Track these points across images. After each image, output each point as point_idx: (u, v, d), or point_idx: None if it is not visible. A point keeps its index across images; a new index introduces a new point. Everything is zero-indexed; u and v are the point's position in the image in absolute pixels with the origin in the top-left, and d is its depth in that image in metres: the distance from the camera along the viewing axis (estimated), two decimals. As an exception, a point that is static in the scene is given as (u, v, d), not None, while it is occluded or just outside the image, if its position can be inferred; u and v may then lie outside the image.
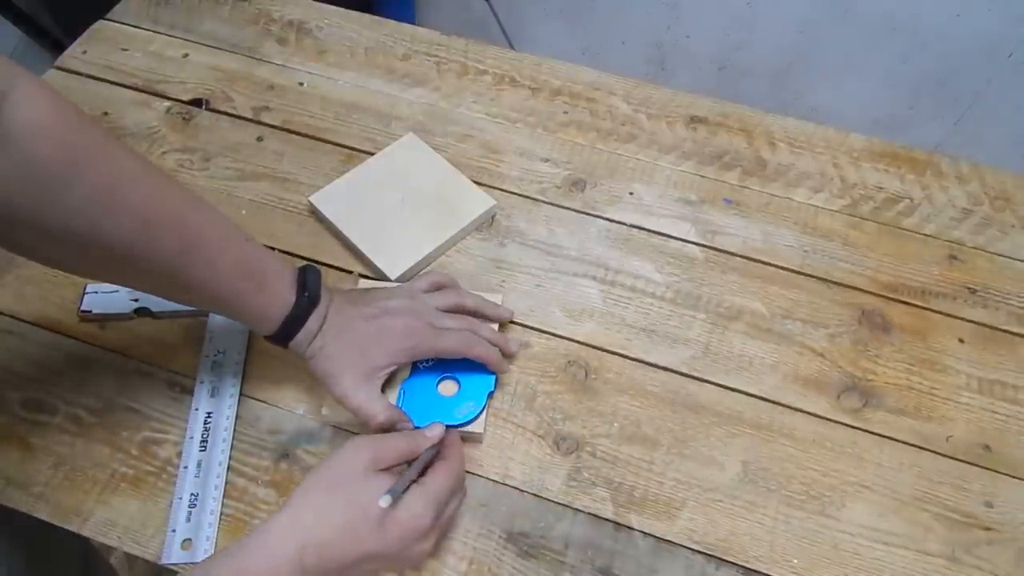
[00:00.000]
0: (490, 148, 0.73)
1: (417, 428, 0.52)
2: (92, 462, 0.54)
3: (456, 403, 0.56)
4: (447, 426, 0.53)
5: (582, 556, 0.52)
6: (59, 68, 0.77)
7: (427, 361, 0.57)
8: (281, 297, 0.50)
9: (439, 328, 0.54)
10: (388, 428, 0.52)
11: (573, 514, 0.54)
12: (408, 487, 0.46)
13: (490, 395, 0.57)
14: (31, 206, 0.40)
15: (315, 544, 0.42)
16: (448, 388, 0.57)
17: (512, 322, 0.62)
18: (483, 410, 0.56)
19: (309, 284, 0.51)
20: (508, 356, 0.59)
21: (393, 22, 0.83)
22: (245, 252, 0.50)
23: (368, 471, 0.46)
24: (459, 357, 0.55)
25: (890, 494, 0.55)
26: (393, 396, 0.56)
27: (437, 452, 0.50)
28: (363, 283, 0.62)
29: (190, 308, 0.60)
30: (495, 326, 0.60)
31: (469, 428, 0.55)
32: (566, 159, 0.73)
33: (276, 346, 0.52)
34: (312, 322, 0.51)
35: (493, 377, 0.57)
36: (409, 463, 0.48)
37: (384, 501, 0.43)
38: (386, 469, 0.47)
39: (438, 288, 0.60)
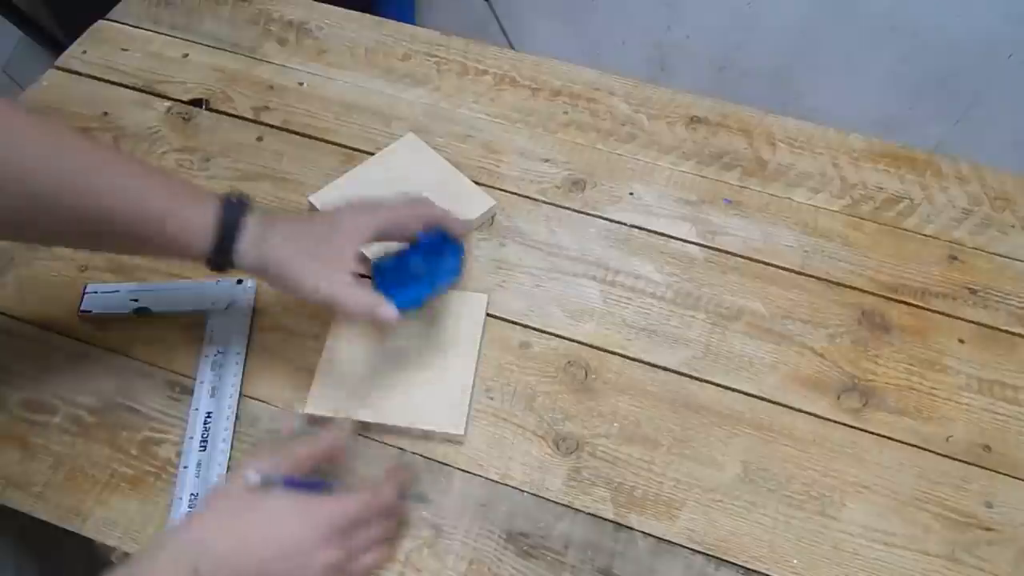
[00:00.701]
0: (490, 148, 0.73)
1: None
2: (92, 462, 0.54)
3: (431, 273, 0.55)
4: (436, 286, 0.54)
5: (582, 556, 0.52)
6: (59, 68, 0.77)
7: (388, 258, 0.56)
8: (207, 205, 0.48)
9: (382, 208, 0.53)
10: (366, 314, 0.49)
11: (573, 514, 0.54)
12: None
13: (462, 257, 0.56)
14: None
15: (211, 557, 0.41)
16: (418, 267, 0.55)
17: (513, 322, 0.62)
18: (462, 266, 0.56)
19: (236, 194, 0.50)
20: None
21: (393, 22, 0.83)
22: (159, 175, 0.49)
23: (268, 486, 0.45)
24: (427, 221, 0.53)
25: (890, 494, 0.55)
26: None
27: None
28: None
29: (190, 308, 0.61)
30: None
31: (449, 431, 0.55)
32: (566, 159, 0.73)
33: (216, 271, 0.49)
34: (252, 224, 0.48)
35: (460, 246, 0.56)
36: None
37: (251, 477, 0.44)
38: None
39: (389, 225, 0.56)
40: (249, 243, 0.48)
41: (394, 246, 0.56)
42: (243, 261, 0.49)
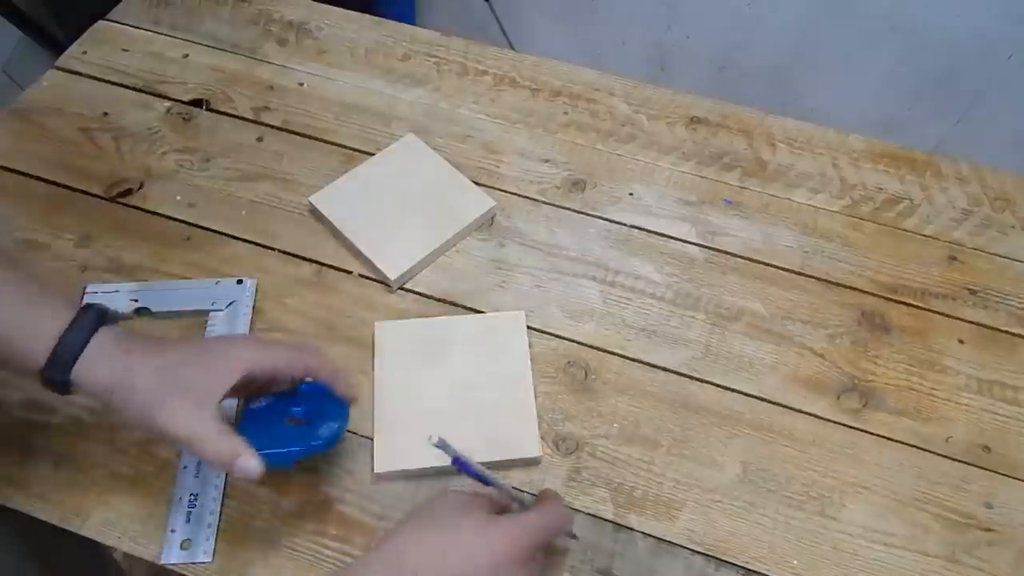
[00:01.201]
0: (490, 148, 0.73)
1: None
2: (92, 462, 0.54)
3: (309, 428, 0.48)
4: (311, 446, 0.47)
5: (582, 556, 0.52)
6: (59, 68, 0.77)
7: (260, 400, 0.50)
8: (55, 314, 0.41)
9: (267, 342, 0.49)
10: (227, 463, 0.43)
11: (573, 515, 0.54)
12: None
13: (346, 416, 0.50)
14: None
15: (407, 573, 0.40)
16: (297, 420, 0.49)
17: (512, 322, 0.62)
18: (342, 430, 0.49)
19: (95, 307, 0.43)
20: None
21: (393, 22, 0.83)
22: (18, 281, 0.43)
23: (466, 506, 0.43)
24: (300, 367, 0.48)
25: (890, 495, 0.55)
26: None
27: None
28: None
29: (190, 308, 0.61)
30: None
31: (528, 455, 0.54)
32: (566, 160, 0.73)
33: (57, 394, 0.43)
34: (103, 345, 0.42)
35: (345, 410, 0.50)
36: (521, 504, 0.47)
37: (434, 437, 0.40)
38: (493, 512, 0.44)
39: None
40: (94, 366, 0.41)
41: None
42: (89, 388, 0.42)
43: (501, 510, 0.45)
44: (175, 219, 0.67)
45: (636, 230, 0.69)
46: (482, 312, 0.63)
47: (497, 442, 0.55)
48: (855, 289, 0.66)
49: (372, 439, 0.55)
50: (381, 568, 0.40)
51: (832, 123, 0.77)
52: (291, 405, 0.49)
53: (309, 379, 0.50)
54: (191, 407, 0.42)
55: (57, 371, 0.41)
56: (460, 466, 0.42)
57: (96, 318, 0.42)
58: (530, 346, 0.61)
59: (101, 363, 0.41)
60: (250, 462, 0.43)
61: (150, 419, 0.42)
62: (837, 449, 0.57)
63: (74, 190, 0.68)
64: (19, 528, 0.58)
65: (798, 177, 0.73)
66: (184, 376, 0.43)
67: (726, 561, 0.52)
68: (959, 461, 0.57)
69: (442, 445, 0.40)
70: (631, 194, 0.71)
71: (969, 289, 0.66)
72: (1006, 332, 0.64)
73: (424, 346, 0.59)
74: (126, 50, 0.79)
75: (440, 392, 0.57)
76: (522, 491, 0.54)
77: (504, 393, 0.57)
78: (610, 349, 0.61)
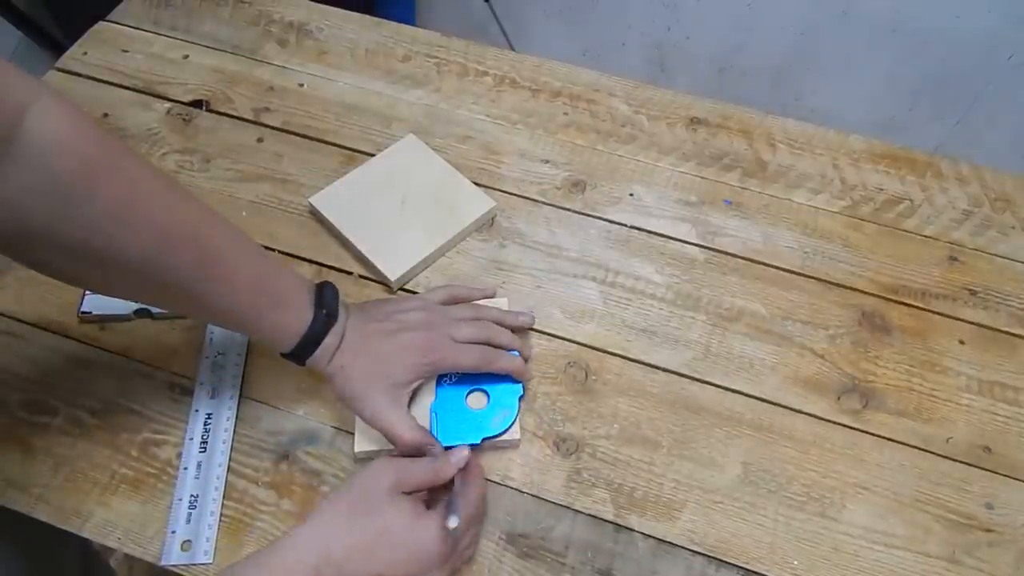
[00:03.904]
0: (490, 149, 0.73)
1: (445, 449, 0.51)
2: (92, 463, 0.54)
3: (489, 415, 0.56)
4: (485, 438, 0.54)
5: (582, 557, 0.52)
6: (59, 69, 0.77)
7: (452, 375, 0.57)
8: (298, 313, 0.50)
9: (458, 342, 0.54)
10: (415, 451, 0.51)
11: (573, 515, 0.54)
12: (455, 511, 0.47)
13: (520, 399, 0.57)
14: (48, 220, 0.40)
15: (334, 562, 0.43)
16: (478, 400, 0.57)
17: (512, 323, 0.62)
18: (517, 417, 0.56)
19: (327, 301, 0.51)
20: (526, 359, 0.59)
21: (393, 23, 0.83)
22: (263, 267, 0.49)
23: (392, 493, 0.46)
24: (481, 372, 0.55)
25: (890, 495, 0.55)
26: (425, 419, 0.55)
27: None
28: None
29: (190, 309, 0.61)
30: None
31: (505, 436, 0.55)
32: (566, 160, 0.73)
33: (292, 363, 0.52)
34: (330, 339, 0.50)
35: (520, 388, 0.57)
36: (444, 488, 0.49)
37: (453, 521, 0.45)
38: (408, 493, 0.47)
39: (454, 301, 0.60)
40: (320, 356, 0.50)
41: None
42: (314, 368, 0.51)
43: (425, 491, 0.49)
44: (175, 220, 0.67)
45: (636, 231, 0.69)
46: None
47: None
48: (855, 290, 0.66)
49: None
50: (308, 551, 0.43)
51: (832, 124, 0.77)
52: (473, 379, 0.57)
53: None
54: (388, 401, 0.51)
55: (294, 359, 0.51)
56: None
57: (325, 319, 0.50)
58: (531, 347, 0.61)
59: (325, 356, 0.51)
60: (434, 451, 0.51)
61: (355, 407, 0.52)
62: (838, 450, 0.57)
63: (74, 191, 0.68)
64: (13, 533, 0.58)
65: (798, 178, 0.73)
66: (381, 373, 0.51)
67: (726, 562, 0.52)
68: (960, 462, 0.57)
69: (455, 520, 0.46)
70: (631, 195, 0.71)
71: (969, 290, 0.66)
72: (1006, 333, 0.64)
73: None
74: (126, 51, 0.79)
75: (428, 385, 0.57)
76: (522, 491, 0.54)
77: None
78: (610, 350, 0.61)
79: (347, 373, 0.51)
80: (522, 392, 0.57)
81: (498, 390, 0.57)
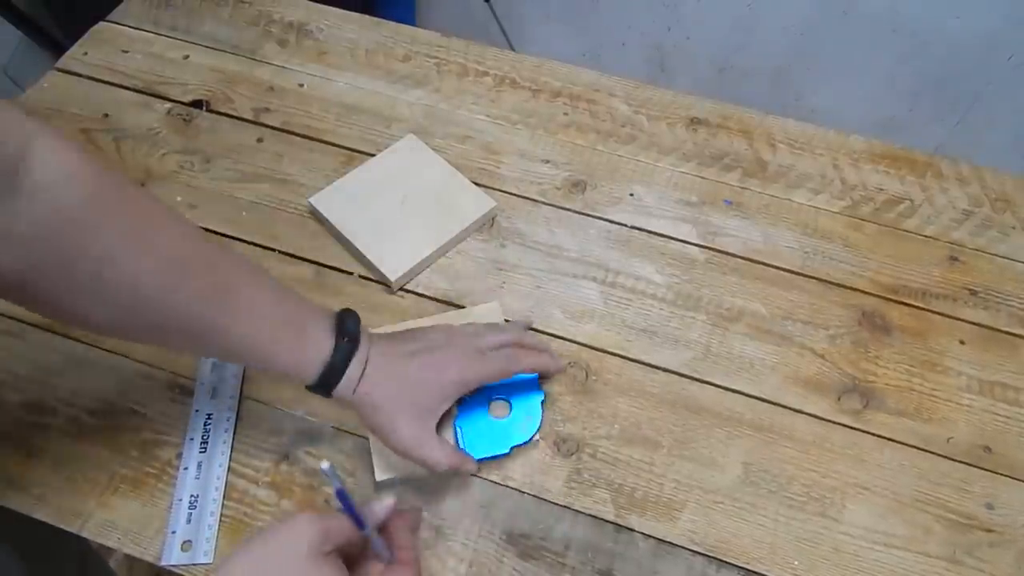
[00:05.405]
0: (490, 149, 0.73)
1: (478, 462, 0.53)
2: (92, 464, 0.54)
3: (513, 423, 0.56)
4: (513, 447, 0.55)
5: (582, 558, 0.52)
6: (60, 70, 0.77)
7: (469, 419, 0.56)
8: (319, 343, 0.48)
9: (483, 351, 0.53)
10: (442, 470, 0.50)
11: (574, 515, 0.54)
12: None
13: (543, 403, 0.57)
14: (61, 254, 0.39)
15: None
16: (500, 409, 0.57)
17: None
18: (541, 421, 0.56)
19: (348, 328, 0.49)
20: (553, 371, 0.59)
21: (393, 23, 0.83)
22: (279, 297, 0.48)
23: (312, 555, 0.40)
24: (510, 376, 0.54)
25: (891, 496, 0.55)
26: (449, 435, 0.55)
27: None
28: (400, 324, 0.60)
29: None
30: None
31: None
32: (566, 160, 0.73)
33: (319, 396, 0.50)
34: (353, 368, 0.48)
35: (541, 393, 0.57)
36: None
37: (323, 467, 0.41)
38: (330, 552, 0.42)
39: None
40: (345, 387, 0.49)
41: None
42: (340, 399, 0.49)
43: (358, 550, 0.45)
44: (175, 220, 0.67)
45: (636, 231, 0.69)
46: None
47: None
48: (856, 290, 0.66)
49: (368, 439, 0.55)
50: None
51: (832, 124, 0.77)
52: (493, 388, 0.56)
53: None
54: (417, 428, 0.50)
55: (319, 390, 0.49)
56: (341, 500, 0.42)
57: (348, 347, 0.48)
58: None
59: (350, 386, 0.49)
60: (471, 466, 0.52)
61: (385, 437, 0.50)
62: (838, 450, 0.57)
63: (74, 191, 0.68)
64: (10, 533, 0.58)
65: (799, 178, 0.73)
66: (408, 400, 0.50)
67: (727, 562, 0.52)
68: (960, 462, 0.57)
69: (329, 473, 0.40)
70: (631, 195, 0.71)
71: (970, 290, 0.66)
72: (1007, 333, 0.64)
73: None
74: (126, 51, 0.79)
75: None
76: (522, 492, 0.54)
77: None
78: (611, 350, 0.61)
79: (373, 401, 0.49)
80: (544, 396, 0.57)
81: (519, 396, 0.57)
